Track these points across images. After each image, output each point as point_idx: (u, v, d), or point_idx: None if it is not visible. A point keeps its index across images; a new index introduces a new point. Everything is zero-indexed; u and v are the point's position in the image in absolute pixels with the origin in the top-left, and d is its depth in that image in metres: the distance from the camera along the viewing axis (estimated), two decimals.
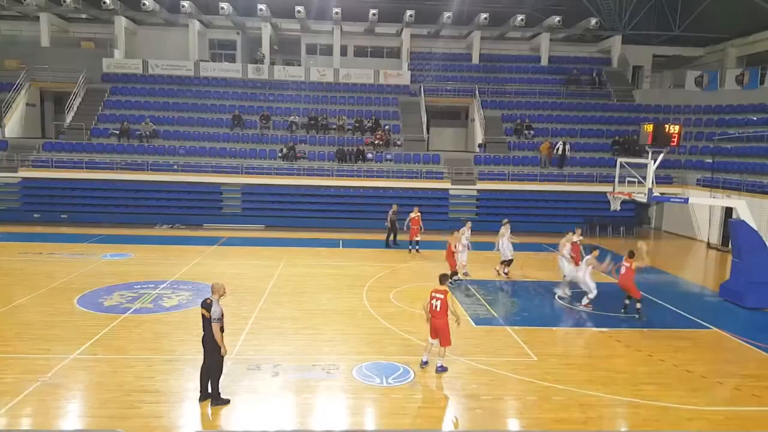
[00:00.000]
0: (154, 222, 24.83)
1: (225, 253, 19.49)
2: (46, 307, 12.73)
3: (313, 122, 28.79)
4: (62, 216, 24.76)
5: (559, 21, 31.64)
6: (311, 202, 25.70)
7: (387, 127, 28.91)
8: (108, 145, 26.77)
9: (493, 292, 15.28)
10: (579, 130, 29.63)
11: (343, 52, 34.04)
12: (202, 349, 8.29)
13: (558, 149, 27.22)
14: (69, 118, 28.34)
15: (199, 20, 32.84)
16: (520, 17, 31.34)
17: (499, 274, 16.95)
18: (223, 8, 30.64)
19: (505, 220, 17.31)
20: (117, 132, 27.23)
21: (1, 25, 33.84)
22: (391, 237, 21.37)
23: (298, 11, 30.97)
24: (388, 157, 27.41)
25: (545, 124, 29.89)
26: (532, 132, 28.99)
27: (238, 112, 28.77)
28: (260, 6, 30.85)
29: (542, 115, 30.35)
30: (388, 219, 21.33)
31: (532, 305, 14.20)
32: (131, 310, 12.64)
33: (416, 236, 20.01)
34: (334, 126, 28.96)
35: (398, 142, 28.41)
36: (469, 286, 15.69)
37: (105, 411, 8.07)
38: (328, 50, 34.10)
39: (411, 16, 31.53)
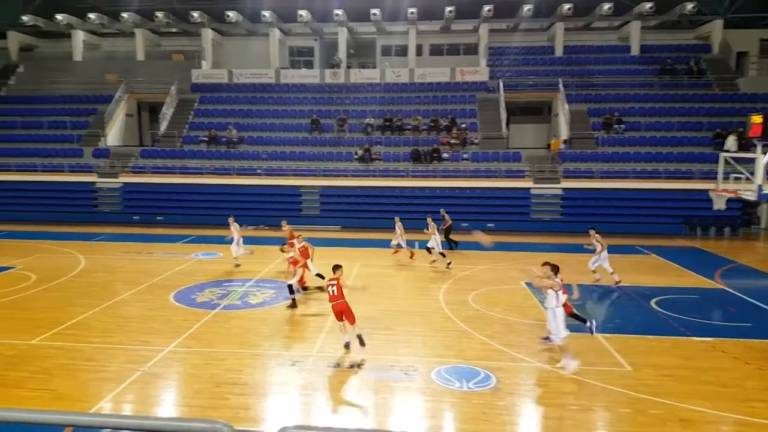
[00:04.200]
0: (240, 223, 25.81)
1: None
2: (145, 302, 13.62)
3: (388, 123, 28.88)
4: (158, 218, 26.56)
5: (650, 7, 29.68)
6: (387, 203, 25.77)
7: (464, 125, 28.41)
8: (198, 152, 28.40)
9: (582, 297, 14.40)
10: (676, 123, 27.49)
11: (419, 51, 33.95)
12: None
13: (729, 143, 24.88)
14: (163, 127, 30.41)
15: (279, 29, 34.05)
16: (607, 6, 29.73)
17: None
18: (301, 15, 31.55)
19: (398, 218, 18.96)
20: (206, 139, 28.84)
21: (102, 42, 37.02)
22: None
23: (374, 14, 31.26)
24: (465, 156, 26.91)
25: (637, 117, 28.03)
26: (623, 126, 27.27)
27: (316, 116, 29.49)
28: (337, 11, 31.44)
29: (634, 108, 28.49)
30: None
31: (625, 312, 13.26)
32: (221, 306, 13.24)
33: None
34: (410, 126, 28.88)
35: (475, 141, 27.82)
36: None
37: (197, 401, 8.46)
38: (403, 51, 34.15)
39: (489, 10, 30.82)
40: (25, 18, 33.58)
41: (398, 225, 18.98)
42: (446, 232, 20.48)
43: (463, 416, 8.10)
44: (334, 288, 10.57)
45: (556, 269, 9.87)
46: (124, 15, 33.15)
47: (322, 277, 14.96)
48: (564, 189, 25.21)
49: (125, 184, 27.37)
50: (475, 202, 25.11)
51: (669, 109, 28.30)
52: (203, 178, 26.90)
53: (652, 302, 13.81)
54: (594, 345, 10.91)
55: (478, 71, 31.47)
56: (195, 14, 32.42)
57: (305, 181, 26.51)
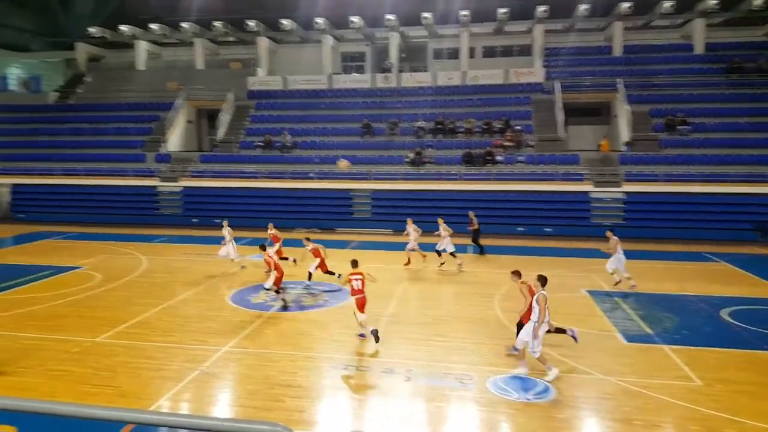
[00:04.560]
0: (293, 226, 26.38)
1: (356, 257, 19.92)
2: (202, 303, 14.01)
3: (440, 126, 28.64)
4: (216, 221, 27.30)
5: (715, 4, 28.12)
6: (439, 206, 25.41)
7: (518, 127, 27.77)
8: (254, 156, 29.13)
9: (645, 306, 13.71)
10: (745, 123, 25.89)
11: (471, 53, 33.57)
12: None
13: None
14: (221, 133, 31.41)
15: (332, 35, 34.50)
16: (668, 3, 28.42)
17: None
18: (353, 21, 31.84)
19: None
20: (261, 144, 29.55)
21: (164, 52, 38.69)
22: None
23: (425, 17, 31.13)
24: (520, 158, 26.27)
25: (702, 118, 26.57)
26: (687, 127, 25.90)
27: (367, 120, 29.62)
28: (388, 16, 31.52)
29: (698, 109, 27.03)
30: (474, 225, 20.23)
31: (693, 322, 12.49)
32: (275, 308, 13.43)
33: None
34: (462, 129, 28.51)
35: (531, 143, 27.12)
36: (616, 299, 14.28)
37: (252, 402, 8.55)
38: (455, 53, 33.87)
39: (544, 11, 30.09)
40: (92, 30, 35.61)
41: (412, 227, 18.14)
42: (474, 235, 19.98)
43: (520, 428, 7.80)
44: (359, 282, 10.89)
45: (543, 280, 9.37)
46: (184, 25, 34.57)
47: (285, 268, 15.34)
48: (626, 193, 24.14)
49: (185, 187, 28.40)
50: (532, 206, 24.45)
51: (737, 109, 26.67)
52: (259, 182, 27.55)
53: (723, 313, 12.95)
54: (660, 357, 10.31)
55: (532, 72, 30.76)
56: (251, 23, 33.34)
57: (357, 185, 26.65)
